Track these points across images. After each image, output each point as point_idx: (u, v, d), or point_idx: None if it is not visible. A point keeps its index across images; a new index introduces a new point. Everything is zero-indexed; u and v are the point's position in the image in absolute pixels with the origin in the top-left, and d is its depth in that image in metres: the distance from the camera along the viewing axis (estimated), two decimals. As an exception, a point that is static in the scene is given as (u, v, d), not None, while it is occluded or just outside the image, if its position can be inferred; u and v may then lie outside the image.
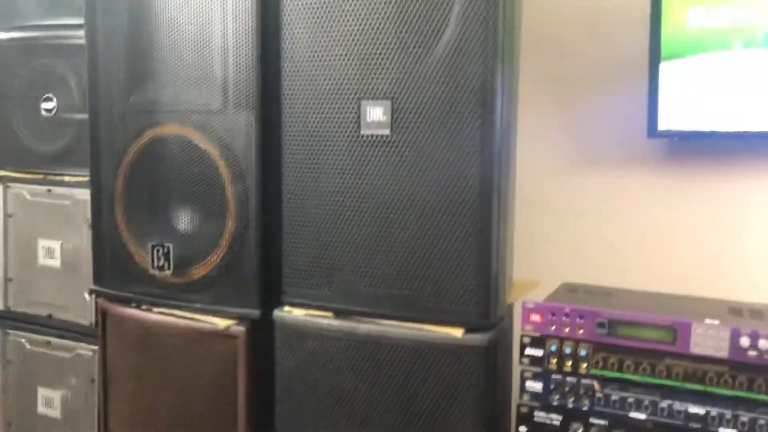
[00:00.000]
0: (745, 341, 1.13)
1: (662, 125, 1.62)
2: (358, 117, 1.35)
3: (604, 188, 1.74)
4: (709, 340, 1.16)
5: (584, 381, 1.25)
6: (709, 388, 1.16)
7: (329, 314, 1.42)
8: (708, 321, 1.17)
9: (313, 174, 1.40)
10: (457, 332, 1.31)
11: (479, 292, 1.30)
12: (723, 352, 1.15)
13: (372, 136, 1.34)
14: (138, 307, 1.62)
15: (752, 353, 1.13)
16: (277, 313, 1.46)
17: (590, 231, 1.76)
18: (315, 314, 1.43)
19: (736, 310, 1.30)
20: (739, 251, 1.62)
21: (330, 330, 1.40)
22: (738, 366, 1.14)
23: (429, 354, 1.31)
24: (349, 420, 1.38)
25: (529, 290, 1.56)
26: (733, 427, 1.15)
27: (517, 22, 1.42)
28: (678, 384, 1.18)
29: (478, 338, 1.30)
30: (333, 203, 1.39)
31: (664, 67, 1.59)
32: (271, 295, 1.49)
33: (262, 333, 1.49)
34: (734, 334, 1.14)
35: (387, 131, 1.32)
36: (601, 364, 1.23)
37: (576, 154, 1.78)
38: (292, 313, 1.45)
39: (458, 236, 1.30)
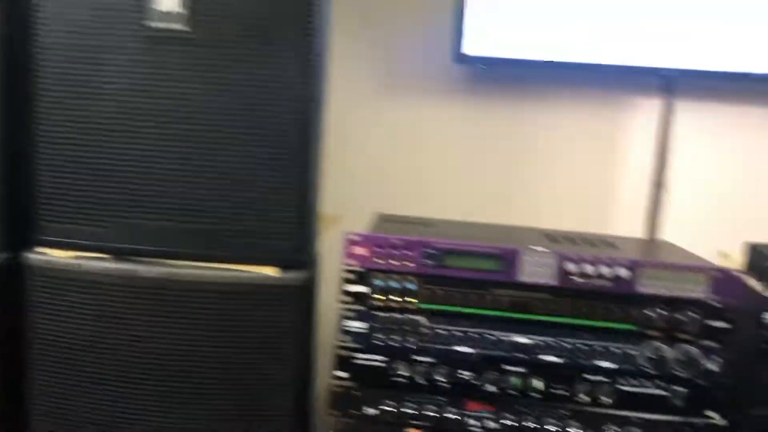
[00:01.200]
0: (571, 267, 1.11)
1: (468, 50, 1.55)
2: (141, 2, 1.06)
3: (410, 116, 1.65)
4: (537, 267, 1.12)
5: (411, 317, 1.14)
6: (535, 317, 1.13)
7: (103, 255, 1.13)
8: (535, 248, 1.13)
9: (79, 77, 1.08)
10: (271, 271, 1.12)
11: (296, 224, 1.12)
12: (550, 279, 1.12)
13: (162, 30, 1.06)
14: None
15: (578, 279, 1.12)
16: (29, 256, 1.13)
17: (395, 160, 1.66)
18: (82, 256, 1.13)
19: (552, 238, 1.30)
20: (543, 180, 1.65)
21: (102, 275, 1.12)
22: (563, 292, 1.12)
23: (237, 297, 1.11)
24: (135, 385, 1.13)
25: (333, 224, 1.42)
26: (556, 355, 1.13)
27: None
28: (505, 314, 1.14)
29: (295, 277, 1.12)
30: (107, 115, 1.09)
31: (471, -15, 1.52)
32: (19, 234, 1.15)
33: (6, 283, 1.15)
34: (561, 260, 1.12)
35: (181, 25, 1.06)
36: (428, 298, 1.14)
37: (380, 79, 1.65)
38: (49, 255, 1.13)
39: (273, 162, 1.10)
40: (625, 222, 1.65)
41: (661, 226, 1.63)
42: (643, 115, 1.62)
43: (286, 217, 1.12)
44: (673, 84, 1.57)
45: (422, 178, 1.66)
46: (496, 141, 1.65)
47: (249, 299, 1.11)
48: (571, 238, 1.30)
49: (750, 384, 1.16)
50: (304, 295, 1.13)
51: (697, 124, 1.62)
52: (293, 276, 1.12)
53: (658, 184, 1.61)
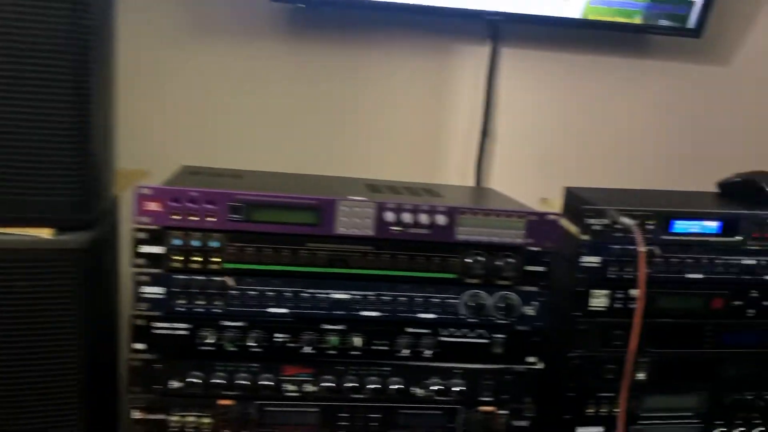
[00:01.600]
0: (389, 216, 1.05)
1: (286, -12, 1.43)
2: None
3: (221, 60, 1.50)
4: (354, 218, 1.04)
5: (216, 278, 1.03)
6: (353, 271, 1.06)
7: None
8: (353, 198, 1.05)
9: None
10: (44, 232, 0.96)
11: (75, 180, 0.96)
12: (368, 230, 1.05)
13: None
14: None
15: (397, 229, 1.05)
16: None
17: (207, 109, 1.51)
18: None
19: (374, 188, 1.22)
20: (369, 130, 1.57)
21: None
22: (382, 244, 1.06)
23: (3, 266, 0.94)
24: None
25: (135, 180, 1.26)
26: (376, 309, 1.07)
27: None
28: (322, 270, 1.05)
29: (74, 239, 0.97)
30: None
31: None
32: None
33: None
34: (379, 210, 1.05)
35: None
36: (235, 257, 1.03)
37: (186, 18, 1.49)
38: None
39: (44, 110, 0.93)
40: (456, 171, 1.62)
41: (488, 174, 1.61)
42: (471, 62, 1.59)
43: (62, 171, 0.95)
44: (498, 29, 1.55)
45: (238, 128, 1.53)
46: (319, 88, 1.54)
47: (16, 267, 0.94)
48: (394, 188, 1.24)
49: (566, 326, 1.17)
50: (87, 260, 0.98)
51: (523, 71, 1.61)
52: (72, 238, 0.96)
53: (485, 133, 1.59)
